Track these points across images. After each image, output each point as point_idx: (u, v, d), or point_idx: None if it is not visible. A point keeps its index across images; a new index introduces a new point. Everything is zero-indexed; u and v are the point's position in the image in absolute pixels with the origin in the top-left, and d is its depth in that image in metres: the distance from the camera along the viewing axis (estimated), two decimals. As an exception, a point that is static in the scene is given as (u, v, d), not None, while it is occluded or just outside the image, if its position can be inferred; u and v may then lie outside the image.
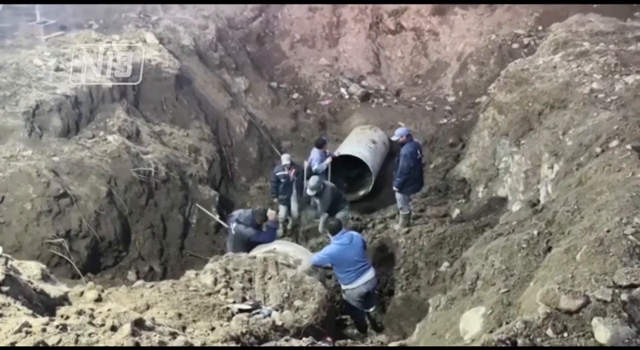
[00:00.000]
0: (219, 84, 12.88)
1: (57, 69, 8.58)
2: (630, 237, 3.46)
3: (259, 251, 7.44)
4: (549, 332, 2.64)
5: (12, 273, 3.02)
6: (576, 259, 3.59)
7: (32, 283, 3.27)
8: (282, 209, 10.33)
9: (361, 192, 11.54)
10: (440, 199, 10.67)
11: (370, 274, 7.03)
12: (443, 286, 7.31)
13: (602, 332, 2.47)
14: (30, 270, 3.34)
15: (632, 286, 2.77)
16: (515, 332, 2.68)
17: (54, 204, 6.70)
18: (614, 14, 12.90)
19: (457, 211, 9.87)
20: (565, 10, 14.31)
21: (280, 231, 10.16)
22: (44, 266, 3.51)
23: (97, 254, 7.43)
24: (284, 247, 7.69)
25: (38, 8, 10.67)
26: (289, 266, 7.02)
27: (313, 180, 8.95)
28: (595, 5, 13.75)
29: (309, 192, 9.04)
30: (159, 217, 8.70)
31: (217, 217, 9.79)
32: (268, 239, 7.98)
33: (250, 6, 16.20)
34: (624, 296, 2.69)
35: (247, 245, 7.82)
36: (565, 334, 2.61)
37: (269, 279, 6.68)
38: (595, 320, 2.52)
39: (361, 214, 10.84)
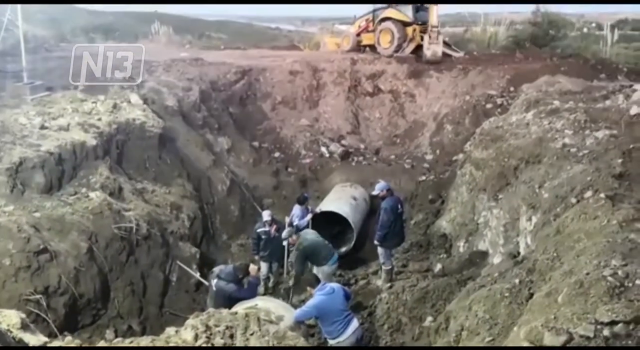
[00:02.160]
0: (202, 143, 13.08)
1: (42, 127, 8.66)
2: (609, 278, 3.55)
3: (241, 307, 7.32)
4: (535, 369, 2.66)
5: (-8, 321, 2.97)
6: (558, 301, 3.65)
7: (11, 332, 3.20)
8: (264, 266, 10.26)
9: (343, 249, 11.51)
10: (422, 254, 10.71)
11: (356, 322, 7.01)
12: (428, 341, 7.23)
13: (587, 367, 2.50)
14: (10, 319, 3.28)
15: (613, 323, 2.83)
16: (503, 370, 2.69)
17: (34, 259, 6.56)
18: (580, 75, 13.65)
19: (439, 266, 9.87)
20: (534, 72, 15.08)
21: (261, 289, 10.04)
22: (23, 315, 3.44)
23: (75, 312, 7.21)
24: (265, 303, 7.59)
25: (25, 70, 10.92)
26: (271, 322, 6.91)
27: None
28: (562, 68, 14.51)
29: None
30: (139, 274, 8.55)
31: (197, 275, 9.66)
32: (250, 295, 7.87)
33: (233, 70, 16.77)
34: (606, 332, 2.74)
35: (229, 301, 7.69)
36: (552, 371, 2.64)
37: (251, 334, 6.53)
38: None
39: (343, 270, 10.80)
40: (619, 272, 3.63)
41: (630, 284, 3.48)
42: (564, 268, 4.41)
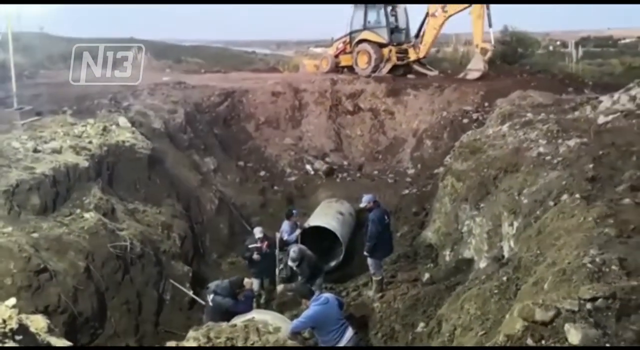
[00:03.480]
0: (189, 163, 13.32)
1: (35, 151, 8.82)
2: (589, 265, 3.90)
3: (238, 320, 7.50)
4: (529, 341, 2.97)
5: (23, 323, 3.17)
6: (544, 288, 3.98)
7: (40, 335, 3.38)
8: (255, 283, 10.37)
9: (333, 263, 11.76)
10: (409, 265, 10.97)
11: (351, 331, 7.19)
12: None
13: (574, 335, 2.82)
14: (37, 323, 3.47)
15: (594, 298, 3.16)
16: (499, 345, 2.99)
17: (34, 279, 6.69)
18: (549, 90, 14.28)
19: (427, 275, 10.12)
20: (506, 88, 15.70)
21: (254, 306, 10.19)
22: (48, 321, 3.64)
23: (74, 331, 7.29)
24: (262, 316, 7.76)
25: (15, 96, 11.07)
26: (270, 333, 7.11)
27: (293, 252, 9.22)
28: (532, 83, 15.14)
29: (290, 263, 9.28)
30: (134, 293, 8.68)
31: (191, 293, 9.79)
32: (246, 309, 8.06)
33: (216, 92, 17.12)
34: (588, 306, 3.07)
35: (226, 315, 7.85)
36: (543, 342, 2.95)
37: (252, 345, 6.74)
38: (567, 326, 2.88)
39: (334, 283, 11.01)
40: (597, 260, 3.98)
41: (607, 270, 3.84)
42: (547, 261, 4.75)
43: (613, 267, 3.83)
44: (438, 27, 21.16)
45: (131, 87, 15.52)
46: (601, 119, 8.87)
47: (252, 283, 8.74)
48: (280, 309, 10.18)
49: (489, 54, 20.36)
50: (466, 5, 20.28)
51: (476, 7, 19.86)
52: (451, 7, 20.65)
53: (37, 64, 23.30)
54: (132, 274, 8.79)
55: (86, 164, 9.35)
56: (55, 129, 10.20)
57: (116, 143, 10.64)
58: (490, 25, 20.26)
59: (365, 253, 9.54)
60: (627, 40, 47.23)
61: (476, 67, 20.37)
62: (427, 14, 21.31)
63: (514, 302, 4.70)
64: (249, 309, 8.13)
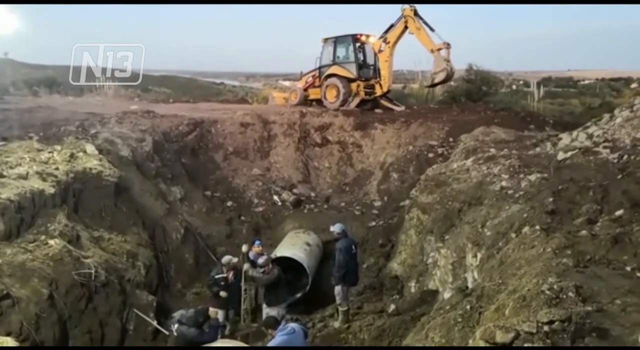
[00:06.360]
0: (156, 192, 13.22)
1: (1, 176, 8.70)
2: (547, 291, 4.12)
3: (204, 350, 7.46)
4: (491, 362, 3.11)
5: (-7, 345, 3.17)
6: (505, 314, 4.16)
7: (8, 358, 3.37)
8: (220, 314, 10.29)
9: (298, 294, 11.74)
10: (375, 296, 11.08)
11: None
12: (387, 375, 7.53)
13: (533, 356, 2.99)
14: (7, 343, 3.45)
15: (551, 322, 3.35)
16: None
17: (-4, 305, 6.57)
18: (512, 126, 14.85)
19: (392, 306, 10.25)
20: (470, 124, 16.24)
21: (218, 336, 10.08)
22: (17, 343, 3.62)
23: (35, 360, 7.13)
24: (227, 346, 7.76)
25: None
26: (235, 363, 7.08)
27: (262, 258, 9.32)
28: (496, 120, 15.71)
29: (255, 273, 9.35)
30: (97, 322, 8.52)
31: (154, 323, 9.64)
32: (211, 339, 8.02)
33: (185, 122, 17.12)
34: (546, 328, 3.26)
35: (190, 346, 7.81)
36: (504, 362, 3.10)
37: (218, 374, 6.71)
38: (526, 346, 3.04)
39: (299, 314, 11.00)
40: (555, 287, 4.20)
41: (564, 296, 4.06)
42: (508, 289, 4.95)
43: (570, 294, 4.05)
44: (389, 59, 21.84)
45: (99, 115, 15.45)
46: (561, 156, 9.28)
47: (217, 313, 8.69)
48: (246, 340, 10.12)
49: (446, 53, 20.51)
50: (401, 29, 21.01)
51: (410, 24, 20.50)
52: (391, 37, 21.43)
53: (2, 89, 23.00)
54: (95, 303, 8.65)
55: (52, 190, 9.25)
56: (22, 154, 10.07)
57: (83, 170, 10.56)
58: (432, 30, 20.52)
59: (332, 282, 9.62)
60: (587, 82, 49.79)
61: (439, 68, 20.52)
62: (375, 54, 22.11)
63: (477, 327, 4.86)
64: (214, 339, 8.09)
